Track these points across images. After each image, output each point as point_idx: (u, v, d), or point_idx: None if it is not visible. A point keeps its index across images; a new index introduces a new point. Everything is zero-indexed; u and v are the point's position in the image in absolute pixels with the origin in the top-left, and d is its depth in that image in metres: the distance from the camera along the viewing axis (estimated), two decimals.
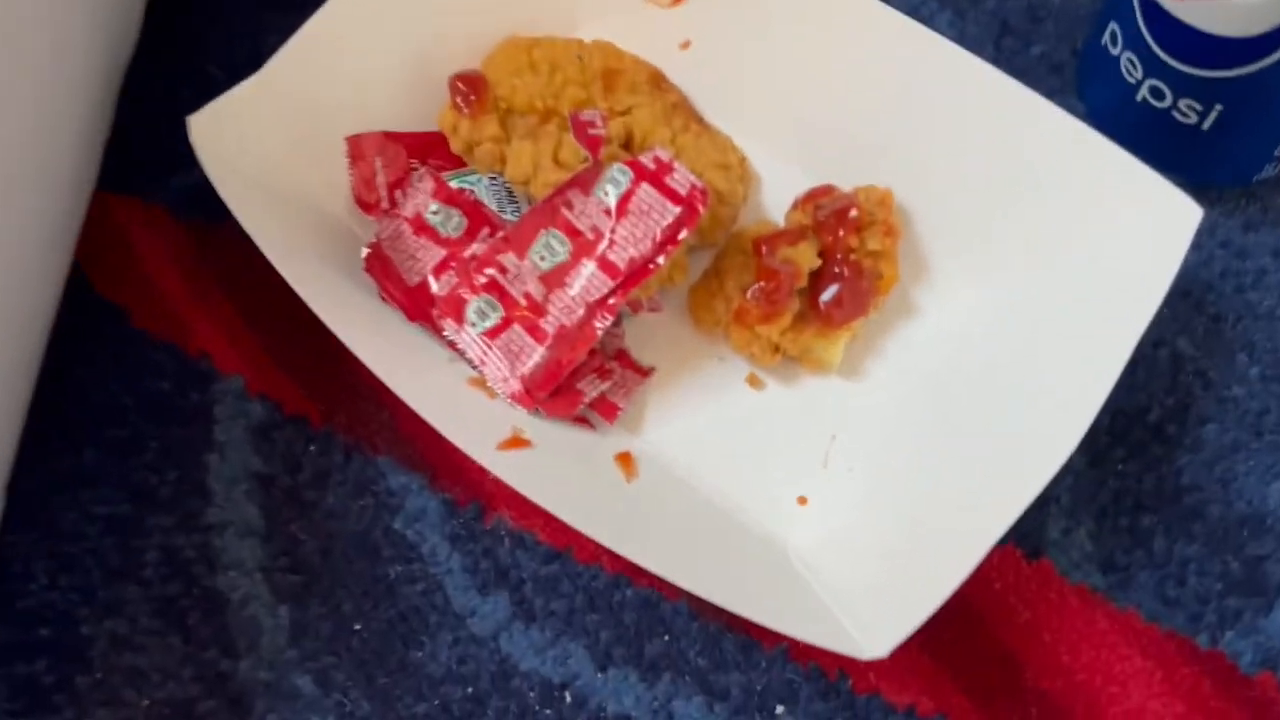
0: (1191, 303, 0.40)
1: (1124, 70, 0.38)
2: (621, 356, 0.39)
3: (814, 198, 0.40)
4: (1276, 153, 0.38)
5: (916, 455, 0.37)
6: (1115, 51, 0.38)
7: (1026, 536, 0.37)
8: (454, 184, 0.41)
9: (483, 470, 0.35)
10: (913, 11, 0.45)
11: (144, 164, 0.44)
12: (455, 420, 0.34)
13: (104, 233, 0.43)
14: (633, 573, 0.37)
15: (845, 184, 0.40)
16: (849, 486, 0.37)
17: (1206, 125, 0.37)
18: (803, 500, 0.37)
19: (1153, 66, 0.37)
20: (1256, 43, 0.33)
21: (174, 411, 0.41)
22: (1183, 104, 0.37)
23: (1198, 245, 0.40)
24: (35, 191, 0.35)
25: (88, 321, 0.42)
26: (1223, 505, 0.37)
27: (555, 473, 0.35)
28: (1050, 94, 0.43)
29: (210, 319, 0.42)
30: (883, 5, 0.39)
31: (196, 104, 0.38)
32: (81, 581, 0.38)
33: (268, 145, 0.38)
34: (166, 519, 0.39)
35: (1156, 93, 0.37)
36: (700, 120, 0.42)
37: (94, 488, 0.40)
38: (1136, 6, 0.36)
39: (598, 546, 0.37)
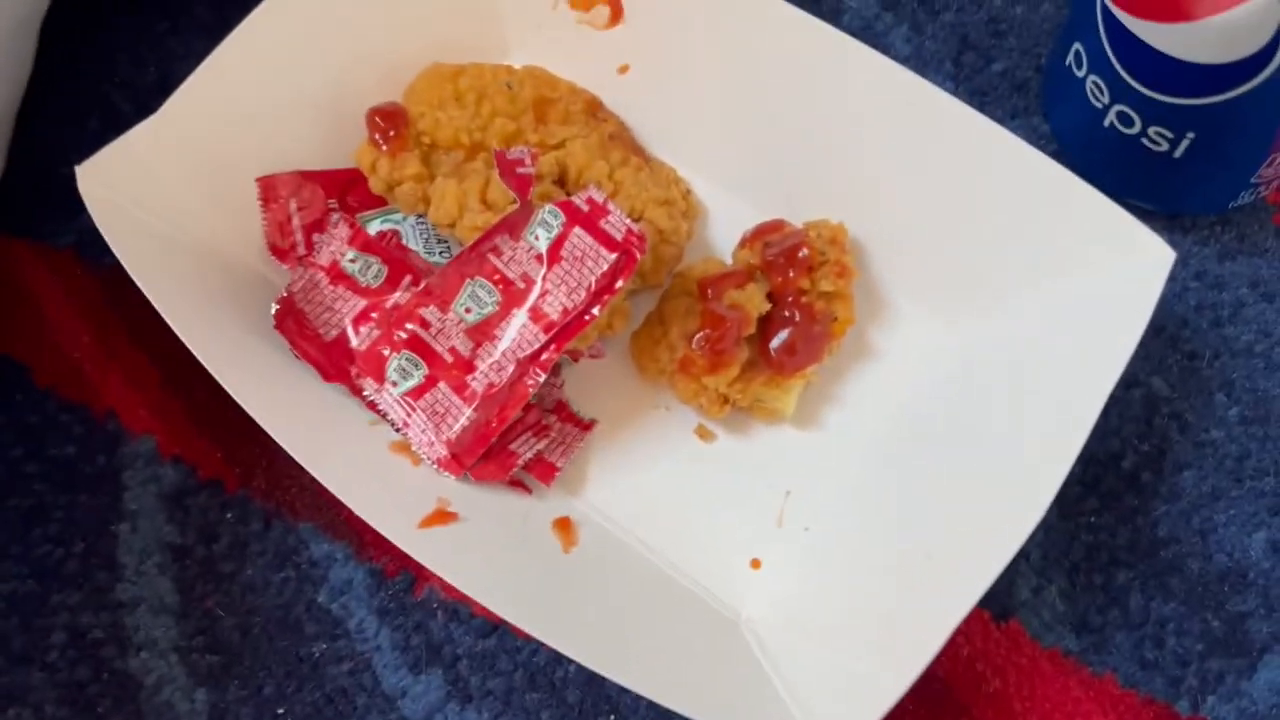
0: (1166, 339, 0.38)
1: (1089, 94, 0.35)
2: (561, 409, 0.37)
3: (762, 234, 0.37)
4: (1252, 179, 0.36)
5: (877, 513, 0.34)
6: (1080, 74, 0.35)
7: (994, 597, 0.35)
8: (377, 225, 0.38)
9: None
10: (867, 27, 0.42)
11: (46, 205, 0.41)
12: (373, 494, 0.32)
13: (1, 280, 0.40)
14: None
15: (796, 219, 0.37)
16: (805, 547, 0.35)
17: (1178, 153, 0.35)
18: (756, 563, 0.35)
19: (1120, 92, 0.34)
20: (1231, 69, 0.31)
21: (80, 478, 0.38)
22: (1153, 131, 0.34)
23: (1171, 277, 0.37)
24: None
25: None
26: (1202, 559, 0.35)
27: (483, 550, 0.32)
28: (1014, 114, 0.41)
29: (120, 373, 0.39)
30: (834, 29, 0.36)
31: (102, 138, 0.35)
32: None
33: (168, 193, 0.35)
34: (73, 596, 0.36)
35: (1125, 119, 0.35)
36: (641, 152, 0.40)
37: None
38: (1101, 28, 0.33)
39: None
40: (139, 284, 0.32)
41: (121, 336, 0.40)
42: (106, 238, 0.33)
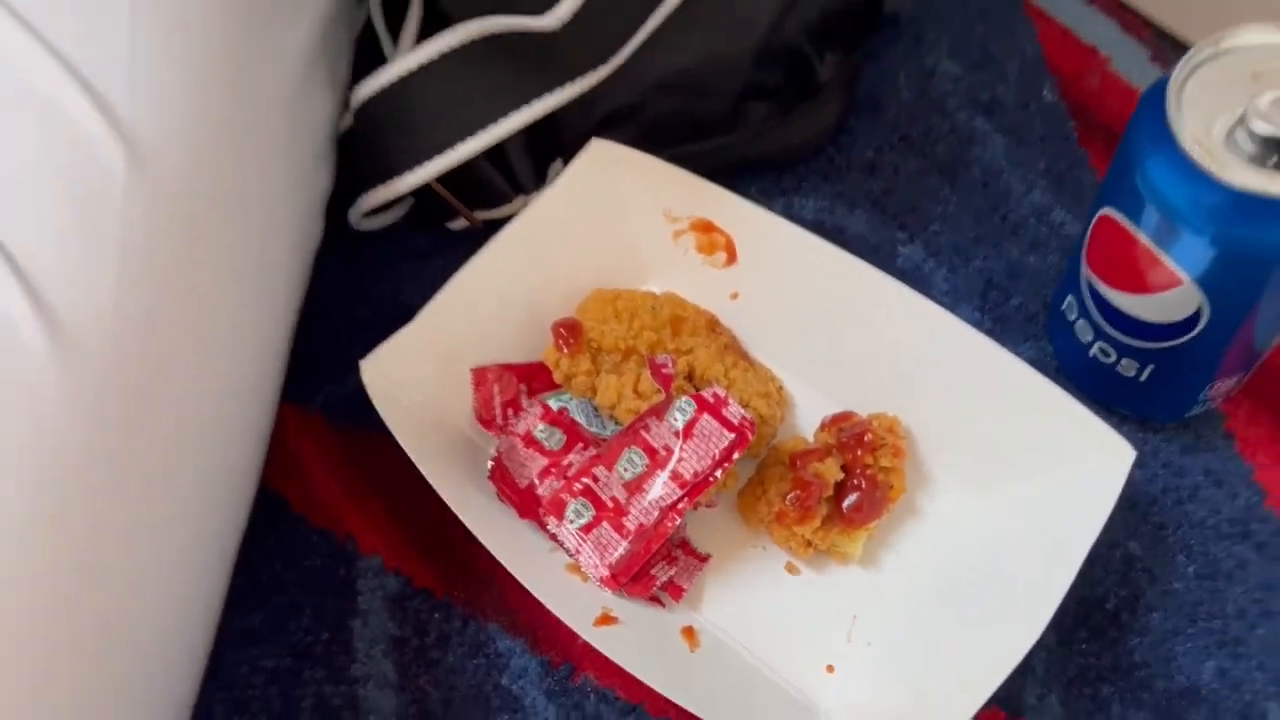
0: (1139, 513, 0.50)
1: (1079, 332, 0.49)
2: (684, 545, 0.50)
3: (837, 422, 0.50)
4: (1201, 398, 0.49)
5: (920, 631, 0.47)
6: (1072, 318, 0.49)
7: (1008, 700, 0.47)
8: (553, 401, 0.52)
9: (572, 636, 0.44)
10: (916, 268, 0.57)
11: (303, 376, 0.56)
12: (559, 600, 0.44)
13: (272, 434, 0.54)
14: None
15: (862, 410, 0.51)
16: (868, 657, 0.47)
17: (1143, 378, 0.48)
18: (830, 669, 0.47)
19: (1100, 334, 0.48)
20: (1174, 327, 0.44)
21: (326, 583, 0.51)
22: (1124, 362, 0.48)
23: (1142, 465, 0.50)
24: (254, 415, 0.46)
25: (257, 508, 0.52)
26: (1166, 679, 0.47)
27: (637, 644, 0.45)
28: (1026, 338, 0.54)
29: (356, 508, 0.52)
30: (888, 275, 0.50)
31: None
32: None
33: (419, 379, 0.49)
34: (320, 672, 0.49)
35: (1104, 352, 0.48)
36: (747, 357, 0.53)
37: (261, 645, 0.50)
38: (1086, 292, 0.47)
39: (666, 702, 0.46)
40: (403, 445, 0.46)
41: (357, 480, 0.53)
42: (380, 410, 0.47)
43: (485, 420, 0.51)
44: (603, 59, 0.52)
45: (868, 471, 0.49)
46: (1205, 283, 0.42)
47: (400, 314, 0.50)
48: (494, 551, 0.44)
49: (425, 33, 0.55)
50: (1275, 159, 0.39)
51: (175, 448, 0.40)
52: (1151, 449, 0.51)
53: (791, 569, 0.49)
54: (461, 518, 0.45)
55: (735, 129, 0.57)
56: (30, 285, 0.37)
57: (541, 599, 0.43)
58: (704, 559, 0.49)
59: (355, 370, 0.52)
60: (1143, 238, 0.43)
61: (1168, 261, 0.42)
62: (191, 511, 0.41)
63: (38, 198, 0.38)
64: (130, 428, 0.38)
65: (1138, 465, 0.49)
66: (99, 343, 0.38)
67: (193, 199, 0.42)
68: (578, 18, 0.50)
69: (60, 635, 0.36)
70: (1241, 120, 0.39)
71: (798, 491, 0.48)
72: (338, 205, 0.56)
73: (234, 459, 0.44)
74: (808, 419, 0.53)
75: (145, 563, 0.39)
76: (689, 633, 0.47)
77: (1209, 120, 0.40)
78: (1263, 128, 0.39)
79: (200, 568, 0.43)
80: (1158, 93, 0.41)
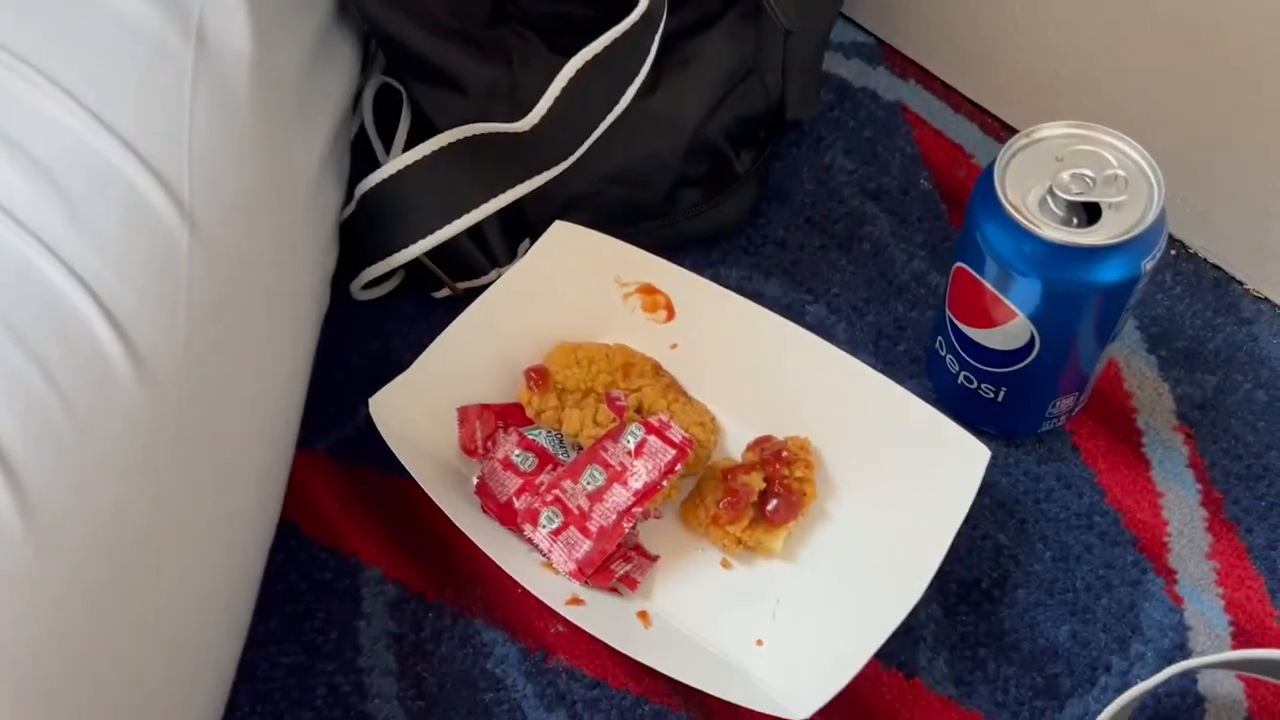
0: (1006, 511, 0.62)
1: (948, 365, 0.61)
2: (638, 548, 0.60)
3: (759, 444, 0.62)
4: (1046, 414, 0.61)
5: (829, 607, 0.57)
6: (943, 353, 0.61)
7: (904, 663, 0.57)
8: (526, 432, 0.62)
9: (546, 626, 0.54)
10: (819, 324, 0.69)
11: (308, 422, 0.65)
12: (536, 587, 0.54)
13: None
14: (650, 695, 0.56)
15: (779, 434, 0.62)
16: (789, 632, 0.57)
17: (1000, 398, 0.60)
18: (760, 642, 0.57)
19: (963, 364, 0.60)
20: (1015, 353, 0.56)
21: (333, 592, 0.60)
22: (983, 386, 0.60)
23: (1007, 473, 0.62)
24: (285, 439, 0.56)
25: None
26: (1030, 641, 0.58)
27: (602, 620, 0.55)
28: (910, 376, 0.67)
29: (357, 530, 0.62)
30: (798, 326, 0.62)
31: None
32: (271, 709, 0.57)
33: (413, 416, 0.59)
34: (330, 665, 0.58)
35: (968, 379, 0.60)
36: (685, 395, 0.65)
37: (279, 644, 0.58)
38: (950, 331, 0.59)
39: (627, 675, 0.56)
40: (408, 468, 0.56)
41: (357, 506, 0.63)
42: (385, 438, 0.57)
43: (469, 450, 0.62)
44: (562, 157, 0.64)
45: (785, 482, 0.60)
46: (1034, 315, 0.54)
47: (392, 369, 0.60)
48: (485, 550, 0.54)
49: (413, 137, 0.67)
50: (1076, 220, 0.52)
51: (233, 457, 0.50)
52: (1014, 460, 0.63)
53: (725, 564, 0.60)
54: (458, 524, 0.55)
55: (670, 213, 0.69)
56: (120, 328, 0.47)
57: (523, 584, 0.53)
58: (654, 558, 0.60)
59: (354, 415, 0.64)
60: (986, 283, 0.55)
61: (1006, 301, 0.55)
62: (242, 511, 0.51)
63: (121, 259, 0.48)
64: (198, 438, 0.48)
65: (1003, 473, 0.61)
66: (173, 373, 0.48)
67: (238, 266, 0.52)
68: (542, 123, 0.63)
69: (135, 597, 0.45)
70: (1050, 191, 0.53)
71: (729, 498, 0.59)
72: (338, 280, 0.67)
73: (274, 472, 0.54)
74: (736, 446, 0.64)
75: (205, 549, 0.48)
76: (643, 615, 0.57)
77: (1025, 192, 0.53)
78: (1066, 196, 0.52)
79: (247, 564, 0.52)
80: (988, 173, 0.54)
